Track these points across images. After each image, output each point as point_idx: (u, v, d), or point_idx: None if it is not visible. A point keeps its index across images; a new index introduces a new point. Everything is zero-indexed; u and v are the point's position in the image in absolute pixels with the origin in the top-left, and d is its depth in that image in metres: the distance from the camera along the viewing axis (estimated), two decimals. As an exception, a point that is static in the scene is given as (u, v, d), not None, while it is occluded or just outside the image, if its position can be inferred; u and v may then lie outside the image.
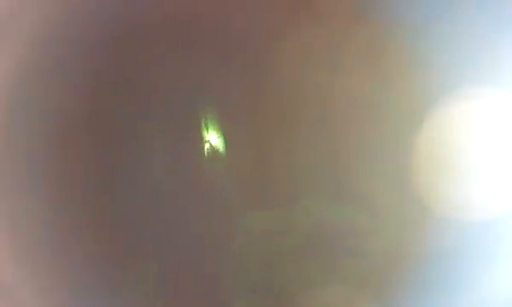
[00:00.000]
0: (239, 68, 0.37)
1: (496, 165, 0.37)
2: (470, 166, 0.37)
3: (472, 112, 0.37)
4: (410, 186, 0.37)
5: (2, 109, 0.37)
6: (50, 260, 0.37)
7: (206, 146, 0.38)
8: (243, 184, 0.37)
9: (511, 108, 0.36)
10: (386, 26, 0.37)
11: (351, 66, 0.37)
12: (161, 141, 0.38)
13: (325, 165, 0.37)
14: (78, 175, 0.37)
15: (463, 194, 0.37)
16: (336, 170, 0.37)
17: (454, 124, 0.37)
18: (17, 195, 0.37)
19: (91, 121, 0.37)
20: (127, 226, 0.37)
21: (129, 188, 0.37)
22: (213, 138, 0.37)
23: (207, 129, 0.38)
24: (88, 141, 0.37)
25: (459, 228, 0.37)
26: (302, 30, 0.37)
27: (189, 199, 0.37)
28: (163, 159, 0.38)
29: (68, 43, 0.37)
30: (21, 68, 0.37)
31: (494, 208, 0.37)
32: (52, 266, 0.37)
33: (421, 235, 0.37)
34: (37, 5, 0.37)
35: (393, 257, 0.37)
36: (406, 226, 0.37)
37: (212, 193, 0.37)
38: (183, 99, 0.37)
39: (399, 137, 0.37)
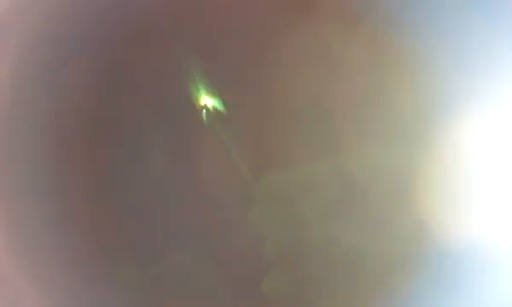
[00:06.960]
0: (239, 68, 0.37)
1: (496, 166, 0.37)
2: (471, 168, 0.37)
3: (472, 112, 0.37)
4: (411, 187, 0.37)
5: (3, 109, 0.37)
6: (50, 260, 0.37)
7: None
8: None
9: (511, 109, 0.36)
10: (387, 27, 0.37)
11: (351, 66, 0.37)
12: (161, 141, 0.38)
13: (325, 165, 0.37)
14: (78, 175, 0.37)
15: (464, 195, 0.37)
16: (336, 170, 0.37)
17: (454, 124, 0.37)
18: (17, 195, 0.37)
19: (91, 121, 0.37)
20: (127, 226, 0.37)
21: (129, 187, 0.37)
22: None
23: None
24: (88, 141, 0.37)
25: (459, 230, 0.37)
26: (302, 30, 0.37)
27: (189, 198, 0.37)
28: (163, 159, 0.38)
29: (68, 43, 0.38)
30: (21, 68, 0.37)
31: (494, 209, 0.37)
32: (52, 266, 0.37)
33: (422, 237, 0.37)
34: (38, 5, 0.37)
35: (394, 258, 0.37)
36: (407, 227, 0.37)
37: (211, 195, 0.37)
38: (182, 99, 0.37)
39: (400, 139, 0.37)
